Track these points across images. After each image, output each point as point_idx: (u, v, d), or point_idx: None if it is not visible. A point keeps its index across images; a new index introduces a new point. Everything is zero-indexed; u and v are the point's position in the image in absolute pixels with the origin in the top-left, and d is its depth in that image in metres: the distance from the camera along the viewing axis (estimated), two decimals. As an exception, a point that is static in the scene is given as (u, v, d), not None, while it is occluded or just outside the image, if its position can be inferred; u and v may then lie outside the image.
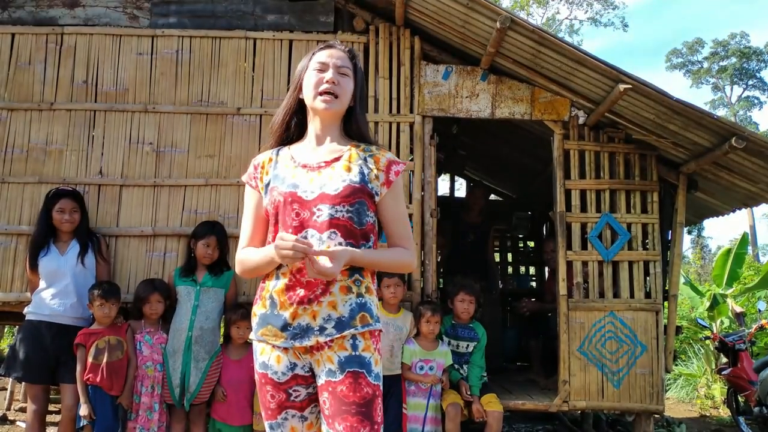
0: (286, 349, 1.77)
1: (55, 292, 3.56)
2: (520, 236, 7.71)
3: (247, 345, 3.43)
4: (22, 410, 4.89)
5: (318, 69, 1.86)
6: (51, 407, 4.15)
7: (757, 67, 31.77)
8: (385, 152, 1.90)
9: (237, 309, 3.64)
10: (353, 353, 1.74)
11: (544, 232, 7.06)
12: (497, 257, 7.65)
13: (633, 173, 4.19)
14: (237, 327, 3.59)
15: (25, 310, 3.63)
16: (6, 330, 7.45)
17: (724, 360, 5.81)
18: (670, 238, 4.27)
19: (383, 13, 4.22)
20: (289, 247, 1.64)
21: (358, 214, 1.78)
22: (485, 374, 3.98)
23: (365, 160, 1.85)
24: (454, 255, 5.72)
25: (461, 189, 9.47)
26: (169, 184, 4.06)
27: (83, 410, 3.38)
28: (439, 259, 5.22)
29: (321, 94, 1.83)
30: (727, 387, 5.63)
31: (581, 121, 4.18)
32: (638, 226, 4.14)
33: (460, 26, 3.89)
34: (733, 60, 31.75)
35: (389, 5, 4.07)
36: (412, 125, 4.16)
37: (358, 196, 1.79)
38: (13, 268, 3.92)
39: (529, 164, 6.33)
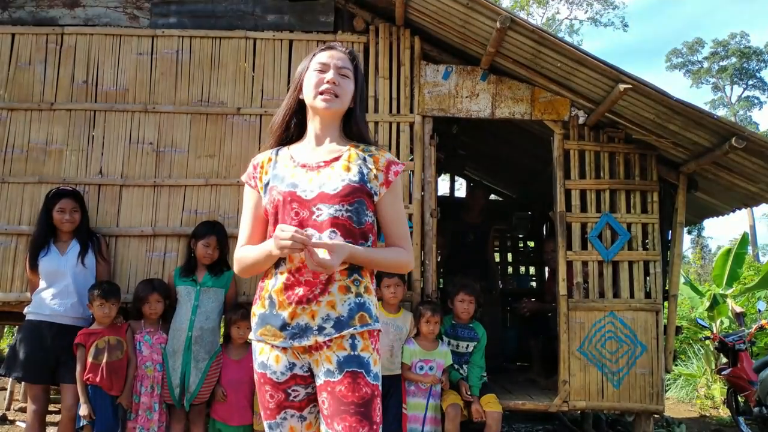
0: (285, 348, 1.77)
1: (55, 292, 3.56)
2: (520, 236, 7.71)
3: (247, 345, 3.43)
4: (22, 410, 4.89)
5: (319, 69, 1.86)
6: (51, 407, 4.14)
7: (757, 67, 31.79)
8: (384, 152, 1.90)
9: (237, 309, 3.64)
10: (352, 353, 1.74)
11: (544, 232, 7.06)
12: (497, 257, 7.65)
13: (633, 173, 4.19)
14: (237, 327, 3.59)
15: (26, 310, 3.63)
16: (6, 330, 7.44)
17: (724, 360, 5.80)
18: (670, 238, 4.27)
19: (383, 13, 4.22)
20: (288, 237, 1.64)
21: (357, 214, 1.79)
22: (485, 374, 3.98)
23: (364, 160, 1.85)
24: (454, 255, 5.72)
25: (461, 189, 9.48)
26: (169, 184, 4.06)
27: (83, 410, 3.38)
28: (439, 259, 5.22)
29: (321, 93, 1.84)
30: (726, 387, 5.63)
31: (581, 121, 4.18)
32: (638, 226, 4.14)
33: (460, 26, 3.89)
34: (733, 60, 31.77)
35: (389, 5, 4.07)
36: (412, 125, 4.16)
37: (358, 195, 1.79)
38: (13, 268, 3.92)
39: (529, 164, 6.34)
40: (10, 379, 4.87)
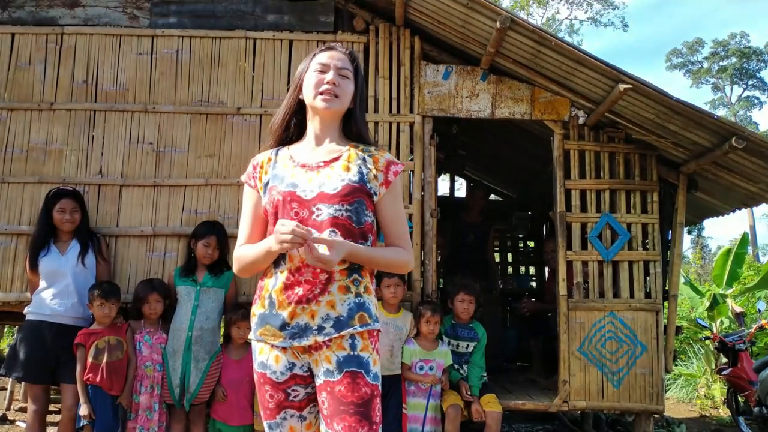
0: (284, 348, 1.77)
1: (55, 292, 3.56)
2: (520, 236, 7.71)
3: (248, 345, 3.43)
4: (22, 410, 4.89)
5: (319, 70, 1.87)
6: (51, 407, 4.14)
7: (757, 67, 31.79)
8: (384, 153, 1.91)
9: (237, 309, 3.64)
10: (352, 353, 1.74)
11: (544, 232, 7.06)
12: (497, 257, 7.65)
13: (633, 173, 4.19)
14: (237, 327, 3.59)
15: (26, 310, 3.63)
16: (6, 330, 7.44)
17: (724, 360, 5.80)
18: (670, 238, 4.27)
19: (383, 13, 4.22)
20: (288, 231, 1.64)
21: (356, 214, 1.79)
22: (485, 374, 3.98)
23: (364, 160, 1.85)
24: (454, 255, 5.72)
25: (461, 189, 9.48)
26: (169, 184, 4.06)
27: (83, 410, 3.38)
28: (439, 259, 5.22)
29: (321, 93, 1.84)
30: (726, 387, 5.63)
31: (581, 121, 4.18)
32: (638, 226, 4.14)
33: (460, 26, 3.89)
34: (733, 60, 31.77)
35: (389, 5, 4.07)
36: (412, 125, 4.16)
37: (357, 195, 1.79)
38: (13, 268, 3.92)
39: (529, 164, 6.34)
40: (10, 379, 4.87)
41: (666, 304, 4.20)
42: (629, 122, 4.01)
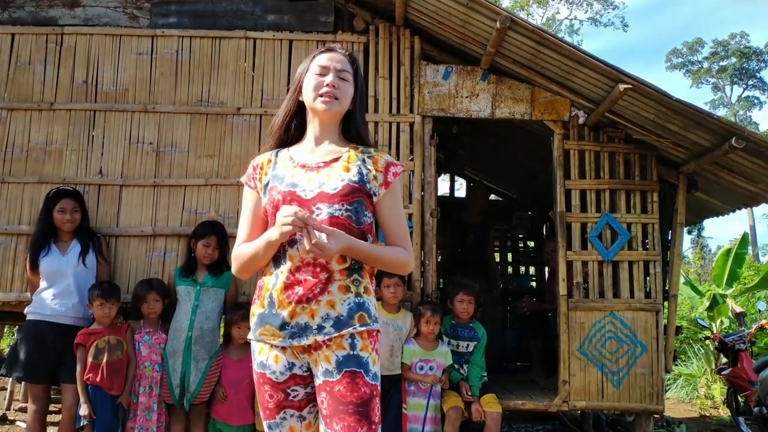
0: (284, 348, 1.77)
1: (56, 292, 3.56)
2: (520, 236, 7.71)
3: (248, 345, 3.39)
4: (22, 410, 4.89)
5: (318, 72, 1.87)
6: (51, 407, 4.14)
7: (757, 67, 31.79)
8: (383, 154, 1.92)
9: (238, 309, 3.64)
10: (351, 352, 1.74)
11: (544, 232, 7.06)
12: (497, 257, 7.65)
13: (633, 173, 4.19)
14: (238, 327, 3.59)
15: (26, 310, 3.63)
16: (6, 330, 7.45)
17: (724, 360, 5.80)
18: (670, 238, 4.27)
19: (383, 13, 4.22)
20: (290, 214, 1.64)
21: (356, 214, 1.79)
22: (485, 374, 3.98)
23: (364, 161, 1.86)
24: (454, 255, 5.73)
25: (461, 189, 9.48)
26: (169, 184, 4.06)
27: (83, 410, 3.38)
28: (439, 259, 5.23)
29: (321, 96, 1.84)
30: (726, 387, 5.63)
31: (581, 121, 4.18)
32: (638, 226, 4.14)
33: (460, 26, 3.89)
34: (733, 60, 31.77)
35: (389, 5, 4.07)
36: (412, 125, 4.16)
37: (357, 195, 1.80)
38: (13, 268, 3.92)
39: (529, 164, 6.34)
40: (11, 379, 4.87)
41: (666, 304, 4.20)
42: (629, 122, 4.01)
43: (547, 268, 5.92)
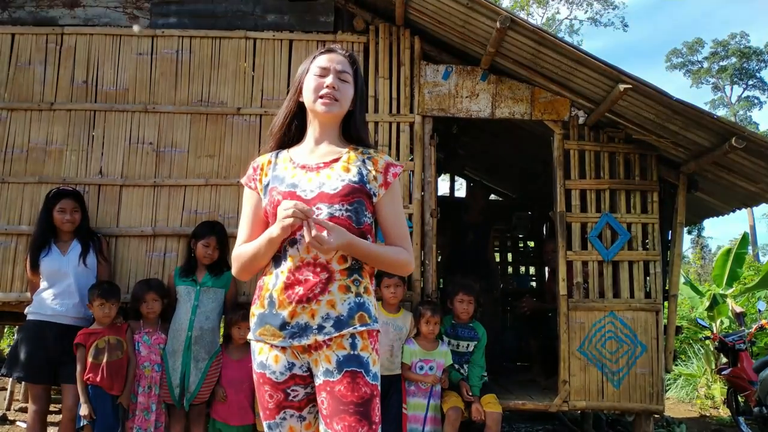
0: (284, 348, 1.77)
1: (57, 293, 3.56)
2: (520, 236, 7.71)
3: (248, 345, 3.40)
4: (22, 410, 4.89)
5: (318, 74, 1.87)
6: (51, 407, 4.14)
7: (757, 67, 31.77)
8: (383, 155, 1.92)
9: (238, 309, 3.64)
10: (352, 352, 1.74)
11: (544, 232, 7.06)
12: (497, 257, 7.65)
13: (633, 173, 4.19)
14: (238, 327, 3.59)
15: (27, 310, 3.63)
16: (6, 330, 7.45)
17: (724, 360, 5.80)
18: (670, 238, 4.27)
19: (383, 13, 4.22)
20: (291, 207, 1.65)
21: (356, 214, 1.79)
22: (485, 374, 3.98)
23: (363, 161, 1.86)
24: (454, 255, 5.72)
25: (461, 189, 9.48)
26: (169, 184, 4.06)
27: (83, 410, 3.38)
28: (439, 259, 5.22)
29: (321, 97, 1.85)
30: (727, 387, 5.63)
31: (581, 121, 4.18)
32: (638, 226, 4.14)
33: (460, 26, 3.89)
34: (733, 60, 31.76)
35: (389, 5, 4.07)
36: (412, 125, 4.16)
37: (357, 195, 1.80)
38: (13, 268, 3.92)
39: (529, 164, 6.34)
40: (11, 379, 4.87)
41: (666, 304, 4.20)
42: (629, 122, 4.01)
43: (547, 268, 5.92)
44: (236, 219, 3.92)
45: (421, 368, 3.72)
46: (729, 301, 7.68)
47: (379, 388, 1.80)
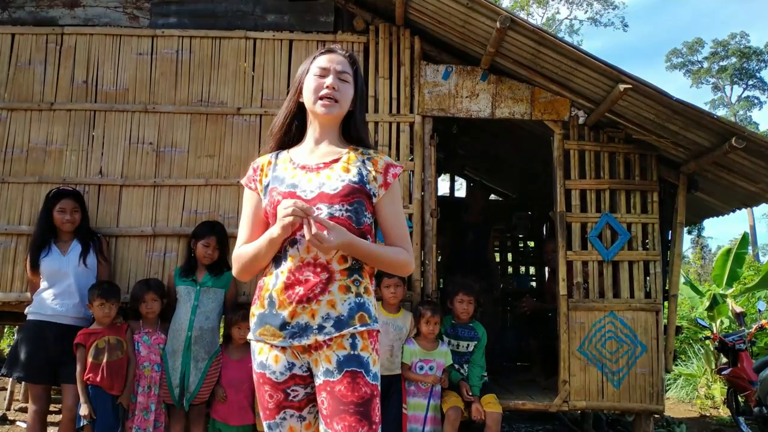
0: (284, 348, 1.77)
1: (57, 293, 3.56)
2: (520, 236, 7.71)
3: (248, 345, 3.40)
4: (22, 410, 4.89)
5: (319, 74, 1.87)
6: (51, 407, 4.14)
7: (757, 67, 31.78)
8: (383, 155, 1.92)
9: (238, 310, 3.64)
10: (352, 352, 1.74)
11: (544, 232, 7.06)
12: (497, 257, 7.65)
13: (633, 173, 4.19)
14: (238, 328, 3.59)
15: (27, 310, 3.63)
16: (6, 330, 7.45)
17: (724, 360, 5.81)
18: (670, 238, 4.27)
19: (383, 13, 4.22)
20: (291, 205, 1.65)
21: (356, 214, 1.79)
22: (486, 374, 3.98)
23: (363, 162, 1.87)
24: (454, 255, 5.72)
25: (461, 189, 9.48)
26: (169, 184, 4.06)
27: (83, 410, 3.38)
28: (439, 259, 5.22)
29: (321, 99, 1.85)
30: (727, 387, 5.63)
31: (581, 121, 4.18)
32: (638, 226, 4.14)
33: (460, 26, 3.89)
34: (733, 60, 31.76)
35: (389, 5, 4.07)
36: (412, 125, 4.16)
37: (357, 195, 1.80)
38: (13, 268, 3.92)
39: (529, 164, 6.34)
40: (11, 379, 4.87)
41: (666, 304, 4.20)
42: (629, 122, 4.01)
43: (547, 268, 5.92)
44: (236, 219, 3.92)
45: (421, 368, 3.72)
46: (729, 301, 7.68)
47: (379, 388, 1.80)
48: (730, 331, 6.55)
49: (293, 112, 1.95)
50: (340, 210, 1.77)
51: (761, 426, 5.04)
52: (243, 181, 1.97)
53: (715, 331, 6.80)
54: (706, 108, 5.55)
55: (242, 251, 1.86)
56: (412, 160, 4.14)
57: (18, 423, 4.77)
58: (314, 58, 1.92)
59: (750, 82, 32.29)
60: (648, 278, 4.15)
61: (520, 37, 3.70)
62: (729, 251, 8.31)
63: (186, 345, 3.52)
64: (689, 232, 19.43)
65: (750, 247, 11.69)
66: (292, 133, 1.97)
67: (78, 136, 4.08)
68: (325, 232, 1.67)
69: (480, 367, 3.93)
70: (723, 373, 5.49)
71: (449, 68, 4.22)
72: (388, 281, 3.71)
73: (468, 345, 3.95)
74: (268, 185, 1.87)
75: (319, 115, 1.87)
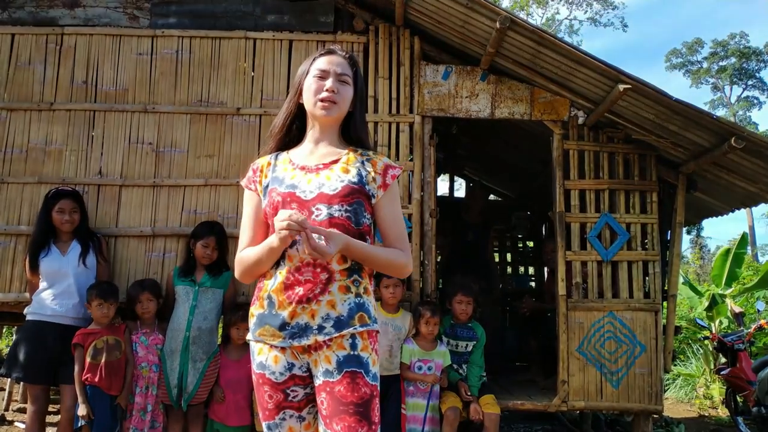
0: (283, 348, 1.78)
1: (56, 293, 3.56)
2: (520, 236, 7.72)
3: (247, 345, 3.39)
4: (21, 411, 4.89)
5: (318, 76, 1.87)
6: (50, 407, 4.14)
7: (756, 67, 31.79)
8: (382, 156, 1.93)
9: (237, 310, 3.64)
10: (352, 352, 1.74)
11: (544, 233, 7.07)
12: (497, 257, 7.65)
13: (632, 173, 4.19)
14: (237, 328, 3.59)
15: (26, 310, 3.63)
16: (5, 330, 7.44)
17: (723, 360, 5.80)
18: (669, 238, 4.28)
19: (383, 13, 4.23)
20: (285, 218, 1.65)
21: (355, 214, 1.79)
22: (484, 374, 3.98)
23: (363, 163, 1.87)
24: (453, 255, 5.73)
25: (461, 189, 9.48)
26: (169, 184, 4.06)
27: (81, 410, 3.38)
28: (438, 260, 5.23)
29: (321, 101, 1.85)
30: (725, 387, 5.63)
31: (581, 121, 4.19)
32: (637, 226, 4.15)
33: (460, 26, 3.89)
34: (733, 60, 31.77)
35: (389, 5, 4.07)
36: (411, 125, 4.16)
37: (356, 196, 1.80)
38: (12, 268, 3.92)
39: (528, 164, 6.34)
40: (9, 380, 4.87)
41: (665, 304, 4.21)
42: (629, 122, 4.02)
43: (546, 269, 5.93)
44: (236, 219, 3.92)
45: (420, 368, 3.72)
46: (728, 301, 7.69)
47: (379, 388, 1.80)
48: (729, 331, 6.55)
49: (293, 113, 1.95)
50: (340, 210, 1.77)
51: (760, 426, 5.05)
52: (243, 183, 1.97)
53: (713, 331, 6.80)
54: (706, 108, 5.55)
55: (244, 255, 1.86)
56: (411, 160, 4.14)
57: (16, 423, 4.77)
58: (314, 60, 1.92)
59: (749, 82, 32.30)
60: (647, 278, 4.16)
61: (520, 38, 3.70)
62: (728, 251, 8.31)
63: (184, 345, 3.52)
64: (688, 232, 19.44)
65: (749, 247, 11.70)
66: (292, 134, 1.97)
67: (77, 136, 4.08)
68: (322, 242, 1.67)
69: (479, 367, 3.93)
70: (722, 373, 5.49)
71: (449, 68, 4.22)
72: (387, 281, 3.71)
73: (467, 345, 3.95)
74: (267, 186, 1.87)
75: (319, 117, 1.87)
